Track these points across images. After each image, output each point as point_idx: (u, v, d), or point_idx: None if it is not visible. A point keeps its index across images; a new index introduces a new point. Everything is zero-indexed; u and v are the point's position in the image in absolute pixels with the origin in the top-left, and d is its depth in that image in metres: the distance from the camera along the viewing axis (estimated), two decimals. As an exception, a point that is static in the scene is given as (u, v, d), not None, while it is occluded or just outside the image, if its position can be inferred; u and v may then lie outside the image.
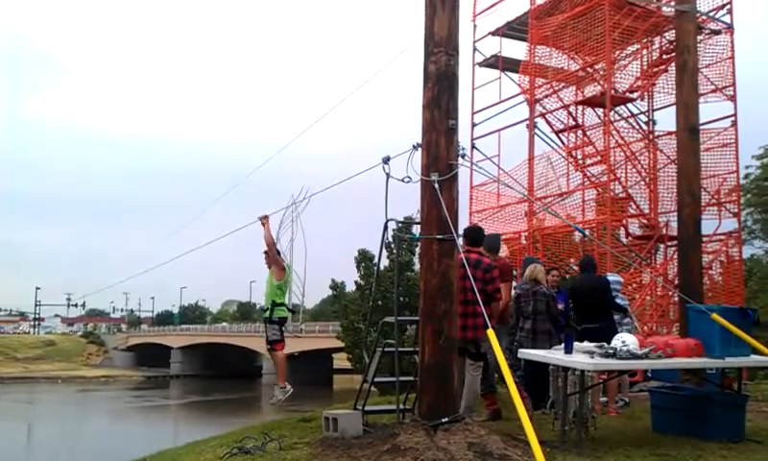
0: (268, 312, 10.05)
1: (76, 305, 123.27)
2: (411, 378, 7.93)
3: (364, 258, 37.56)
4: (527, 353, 7.66)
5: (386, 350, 7.75)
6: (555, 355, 7.15)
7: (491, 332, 5.58)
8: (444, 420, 6.35)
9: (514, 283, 9.45)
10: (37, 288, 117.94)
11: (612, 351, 6.94)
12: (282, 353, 10.24)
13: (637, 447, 6.77)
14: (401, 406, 7.54)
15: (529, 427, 4.33)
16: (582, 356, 6.93)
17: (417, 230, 7.89)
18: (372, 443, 6.46)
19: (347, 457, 6.20)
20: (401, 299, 26.02)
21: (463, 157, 6.88)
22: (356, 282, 38.86)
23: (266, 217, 9.75)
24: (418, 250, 28.54)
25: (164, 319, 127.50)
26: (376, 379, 7.83)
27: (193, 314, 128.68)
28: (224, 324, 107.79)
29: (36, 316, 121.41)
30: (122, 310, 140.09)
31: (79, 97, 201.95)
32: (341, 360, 61.43)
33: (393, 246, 11.67)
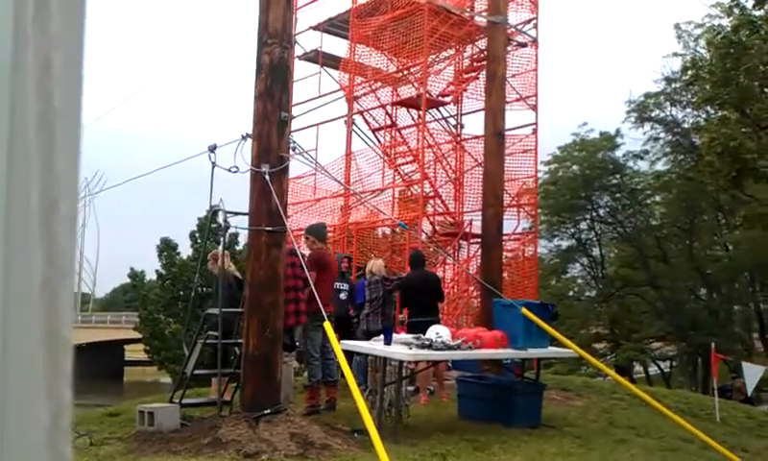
0: None
1: None
2: (231, 371, 7.84)
3: (166, 247, 36.18)
4: (350, 345, 7.83)
5: (208, 342, 7.60)
6: (375, 346, 7.37)
7: (327, 325, 5.65)
8: (266, 411, 6.35)
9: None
10: None
11: (428, 343, 7.28)
12: None
13: (448, 433, 7.13)
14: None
15: (368, 418, 4.46)
16: (401, 348, 7.20)
17: (236, 220, 7.80)
18: (191, 436, 6.34)
19: (166, 451, 6.04)
20: (204, 289, 25.35)
21: (294, 150, 6.90)
22: (158, 272, 37.32)
23: None
24: (222, 239, 27.76)
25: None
26: (196, 371, 7.66)
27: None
28: None
29: None
30: None
31: None
32: (134, 352, 58.84)
33: (219, 234, 11.38)
